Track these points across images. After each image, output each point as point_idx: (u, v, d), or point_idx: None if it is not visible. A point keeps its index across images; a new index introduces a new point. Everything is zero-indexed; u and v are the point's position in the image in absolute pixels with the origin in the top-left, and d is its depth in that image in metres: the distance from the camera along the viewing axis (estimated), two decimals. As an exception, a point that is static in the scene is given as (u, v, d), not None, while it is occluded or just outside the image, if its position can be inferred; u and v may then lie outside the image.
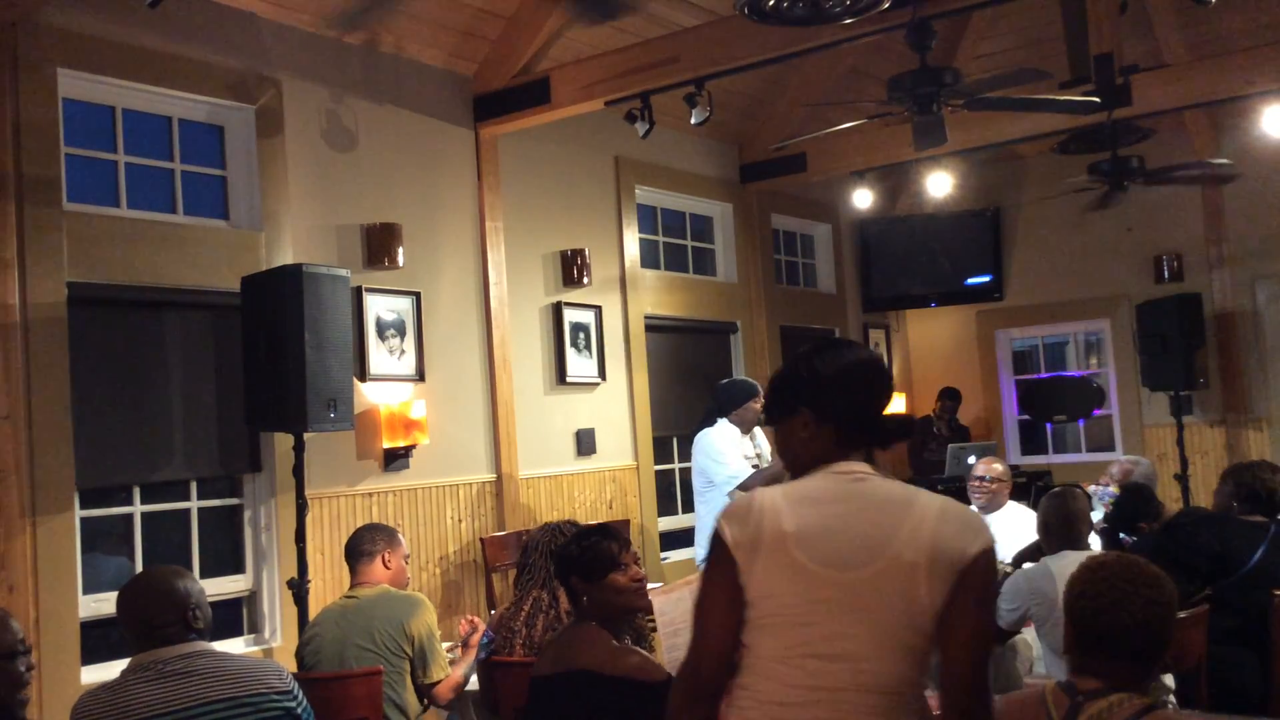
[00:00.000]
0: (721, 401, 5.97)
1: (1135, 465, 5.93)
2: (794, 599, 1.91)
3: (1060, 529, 4.12)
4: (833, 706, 1.89)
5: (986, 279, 9.82)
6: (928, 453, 9.22)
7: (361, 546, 4.02)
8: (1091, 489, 5.36)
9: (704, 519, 6.04)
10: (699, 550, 6.12)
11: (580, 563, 2.99)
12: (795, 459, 2.07)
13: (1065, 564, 3.57)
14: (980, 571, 1.87)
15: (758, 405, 5.92)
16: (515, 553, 5.08)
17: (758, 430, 6.08)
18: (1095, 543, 4.66)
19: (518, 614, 3.59)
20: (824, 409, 2.02)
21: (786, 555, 1.91)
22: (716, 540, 1.96)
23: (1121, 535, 4.81)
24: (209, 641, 2.82)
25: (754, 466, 6.00)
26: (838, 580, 1.89)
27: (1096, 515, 5.21)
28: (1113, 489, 5.26)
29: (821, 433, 2.02)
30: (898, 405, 9.88)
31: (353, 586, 4.00)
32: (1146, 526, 4.64)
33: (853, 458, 2.01)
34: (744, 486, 5.83)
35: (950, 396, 9.59)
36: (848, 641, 1.89)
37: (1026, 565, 4.39)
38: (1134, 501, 4.78)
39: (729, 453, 5.80)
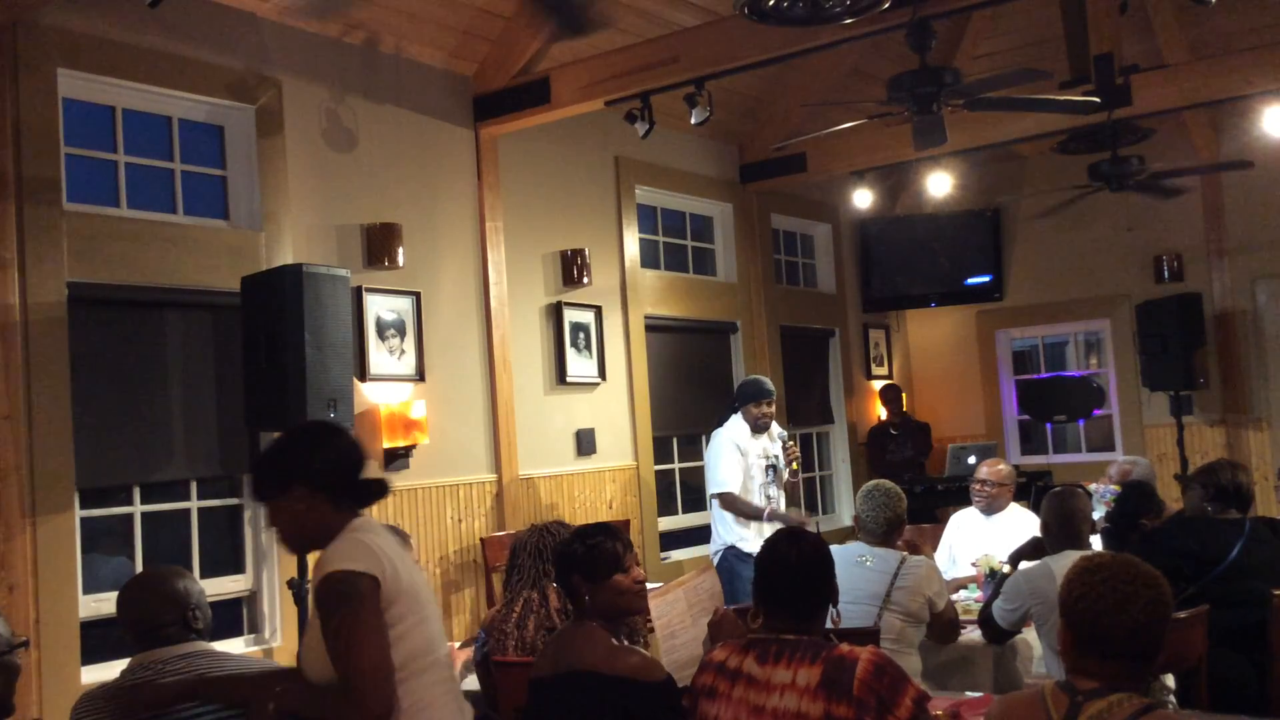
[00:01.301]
0: (738, 396, 6.22)
1: (1134, 465, 5.93)
2: (433, 624, 2.45)
3: (1061, 528, 4.11)
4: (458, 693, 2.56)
5: (986, 279, 9.82)
6: (888, 454, 9.19)
7: None
8: (1093, 487, 5.35)
9: (716, 511, 6.08)
10: (712, 545, 6.16)
11: (584, 562, 2.97)
12: (300, 527, 2.46)
13: (1066, 563, 3.55)
14: None
15: (756, 410, 6.01)
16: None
17: (776, 428, 6.13)
18: (1096, 542, 4.65)
19: (509, 616, 3.58)
20: (318, 482, 2.44)
21: (417, 591, 2.40)
22: (362, 579, 2.29)
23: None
24: (209, 642, 2.82)
25: (769, 467, 6.03)
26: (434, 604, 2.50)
27: (1097, 515, 5.20)
28: (1114, 488, 5.25)
29: (317, 501, 2.43)
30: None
31: None
32: (1149, 523, 4.64)
33: (351, 513, 2.47)
34: (727, 504, 5.93)
35: (890, 391, 9.59)
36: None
37: (1024, 565, 4.39)
38: (1135, 498, 4.78)
39: (725, 461, 5.98)
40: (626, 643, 2.99)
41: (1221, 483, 4.28)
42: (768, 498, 6.01)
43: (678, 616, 3.41)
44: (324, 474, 2.46)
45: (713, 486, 6.04)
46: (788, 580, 2.69)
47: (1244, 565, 4.02)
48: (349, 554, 2.33)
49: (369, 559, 2.33)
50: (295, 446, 2.51)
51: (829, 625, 2.77)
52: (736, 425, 6.06)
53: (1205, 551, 4.07)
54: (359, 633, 2.25)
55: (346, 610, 2.26)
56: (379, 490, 2.53)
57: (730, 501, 5.97)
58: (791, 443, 6.19)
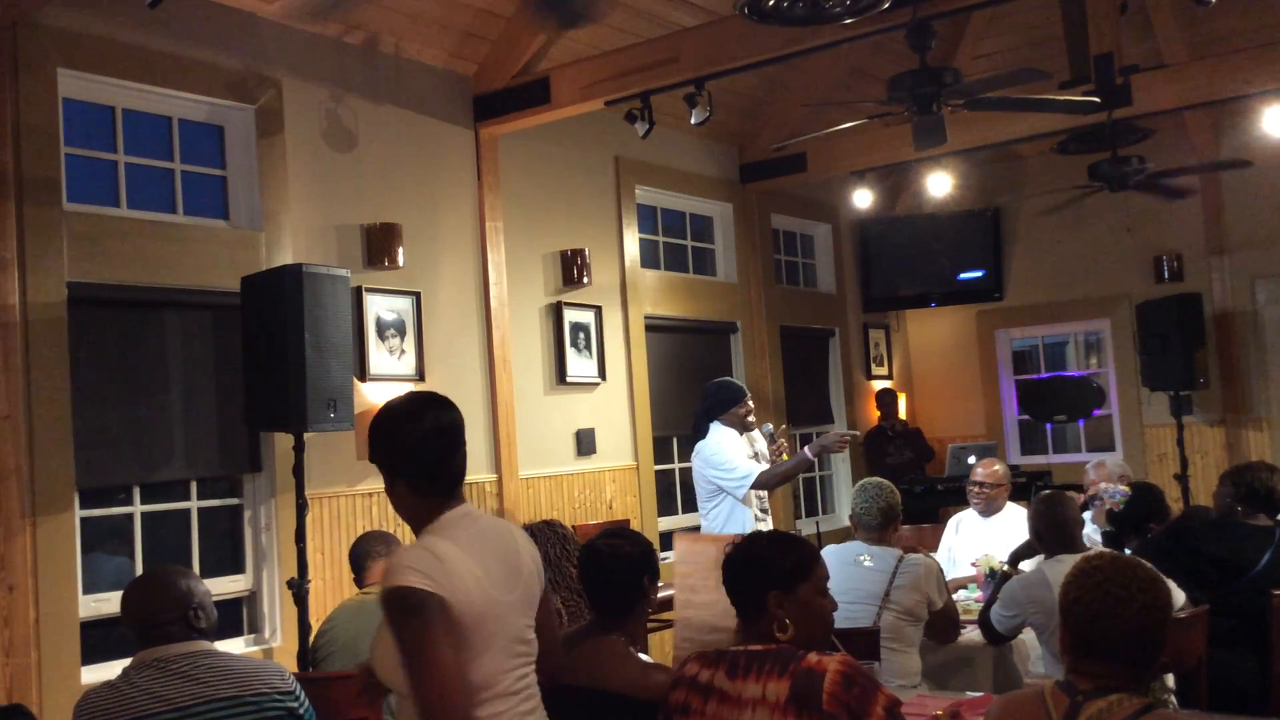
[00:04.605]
0: (711, 405, 5.90)
1: (1105, 463, 5.93)
2: (500, 626, 2.31)
3: (1053, 534, 4.09)
4: (536, 697, 2.44)
5: (979, 274, 9.82)
6: (888, 458, 9.17)
7: (373, 548, 4.15)
8: (1102, 486, 5.33)
9: (738, 509, 5.79)
10: None
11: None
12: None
13: (1062, 569, 3.55)
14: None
15: (742, 410, 5.87)
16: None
17: (756, 432, 6.07)
18: (1097, 545, 4.65)
19: None
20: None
21: (487, 594, 2.28)
22: (422, 595, 2.17)
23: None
24: (212, 642, 2.83)
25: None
26: (514, 601, 2.37)
27: (1088, 514, 5.19)
28: (1123, 489, 5.20)
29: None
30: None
31: (367, 585, 4.07)
32: (1156, 527, 4.62)
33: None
34: (759, 484, 5.74)
35: (885, 395, 9.59)
36: (530, 641, 2.42)
37: (1024, 565, 4.39)
38: (1146, 501, 4.76)
39: (734, 456, 5.72)
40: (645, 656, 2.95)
41: (1254, 485, 4.25)
42: (760, 496, 5.95)
43: (702, 571, 3.29)
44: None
45: (738, 485, 5.66)
46: (732, 583, 2.66)
47: (1271, 575, 3.98)
48: (421, 563, 2.24)
49: (438, 571, 2.22)
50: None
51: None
52: (722, 432, 5.81)
53: (1233, 558, 4.03)
54: (431, 656, 2.15)
55: (426, 626, 2.17)
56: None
57: (767, 480, 5.68)
58: (781, 438, 6.08)
